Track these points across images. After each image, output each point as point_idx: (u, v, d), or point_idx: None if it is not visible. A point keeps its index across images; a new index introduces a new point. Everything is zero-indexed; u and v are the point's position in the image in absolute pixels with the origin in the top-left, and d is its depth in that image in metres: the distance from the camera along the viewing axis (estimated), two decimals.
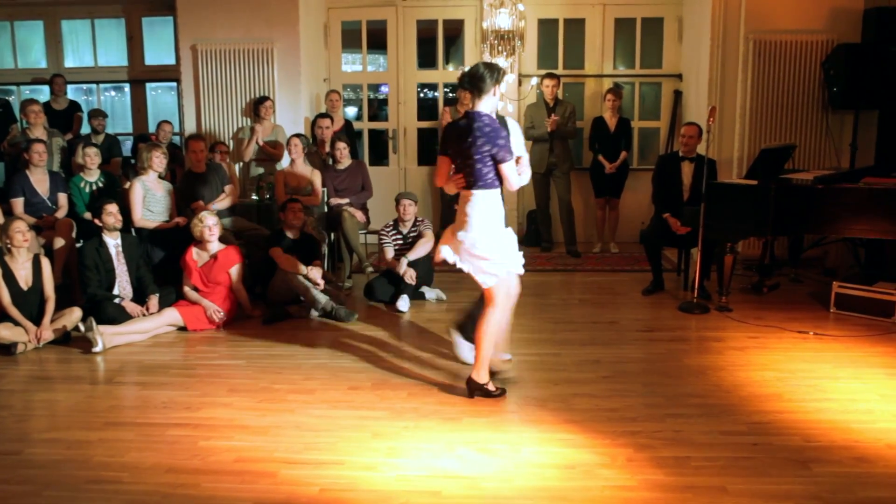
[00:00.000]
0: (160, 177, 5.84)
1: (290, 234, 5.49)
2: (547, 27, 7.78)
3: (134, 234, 5.61)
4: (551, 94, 6.98)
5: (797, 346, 4.55)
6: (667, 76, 7.73)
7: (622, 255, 7.16)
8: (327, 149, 6.69)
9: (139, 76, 8.20)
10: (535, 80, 7.29)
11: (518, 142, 3.80)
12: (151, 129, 7.90)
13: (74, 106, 7.46)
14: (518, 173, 3.64)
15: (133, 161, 6.97)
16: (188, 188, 5.97)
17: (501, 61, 6.42)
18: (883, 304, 5.03)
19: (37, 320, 4.69)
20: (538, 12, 7.62)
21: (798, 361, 4.28)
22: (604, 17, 7.69)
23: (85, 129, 7.35)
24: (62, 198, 5.77)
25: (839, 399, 3.72)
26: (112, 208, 5.06)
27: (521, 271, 3.78)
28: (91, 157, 5.87)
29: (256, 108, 6.85)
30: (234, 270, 5.18)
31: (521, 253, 3.77)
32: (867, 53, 6.20)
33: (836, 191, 5.09)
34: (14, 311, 4.63)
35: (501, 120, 3.77)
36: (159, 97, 8.61)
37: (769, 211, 5.06)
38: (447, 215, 7.09)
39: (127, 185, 5.95)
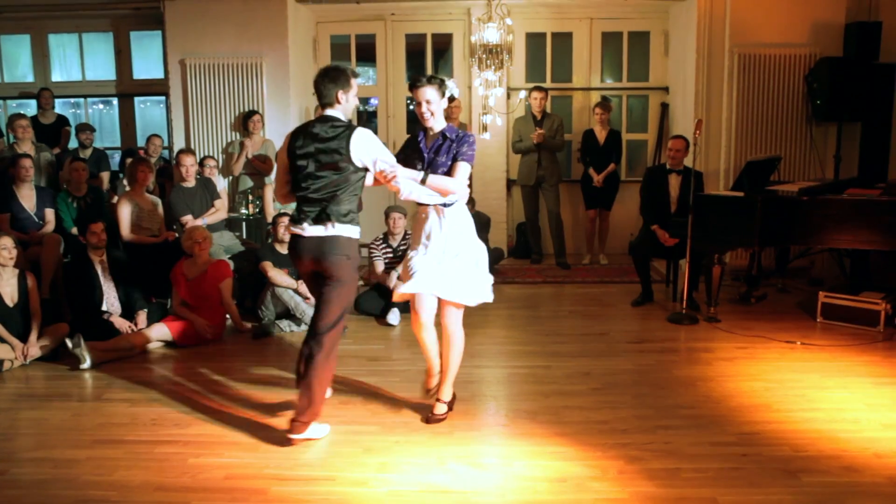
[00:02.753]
0: (148, 191, 5.82)
1: (280, 248, 5.49)
2: (535, 41, 7.84)
3: (122, 249, 5.58)
4: (539, 107, 7.03)
5: (785, 356, 4.59)
6: (654, 89, 7.80)
7: (612, 267, 7.19)
8: None
9: (127, 90, 8.18)
10: (523, 94, 7.34)
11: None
12: (140, 143, 7.88)
13: (62, 120, 7.43)
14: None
15: (121, 175, 6.95)
16: (178, 202, 5.96)
17: (490, 75, 6.47)
18: (868, 314, 5.09)
19: (23, 337, 4.65)
20: (526, 26, 7.69)
21: (786, 371, 4.31)
22: (591, 30, 7.76)
23: (73, 143, 7.32)
24: (49, 213, 5.73)
25: (827, 409, 3.75)
26: (97, 228, 5.03)
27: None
28: (79, 172, 5.84)
29: (245, 122, 6.86)
30: (224, 285, 5.16)
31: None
32: (849, 66, 6.29)
33: (821, 202, 5.15)
34: (0, 328, 4.59)
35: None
36: (148, 111, 8.60)
37: (756, 222, 5.11)
38: None
39: (115, 200, 5.93)
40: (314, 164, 3.32)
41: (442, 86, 3.49)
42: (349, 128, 3.32)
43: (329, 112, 3.37)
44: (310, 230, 3.35)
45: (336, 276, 3.35)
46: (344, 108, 3.39)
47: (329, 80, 3.35)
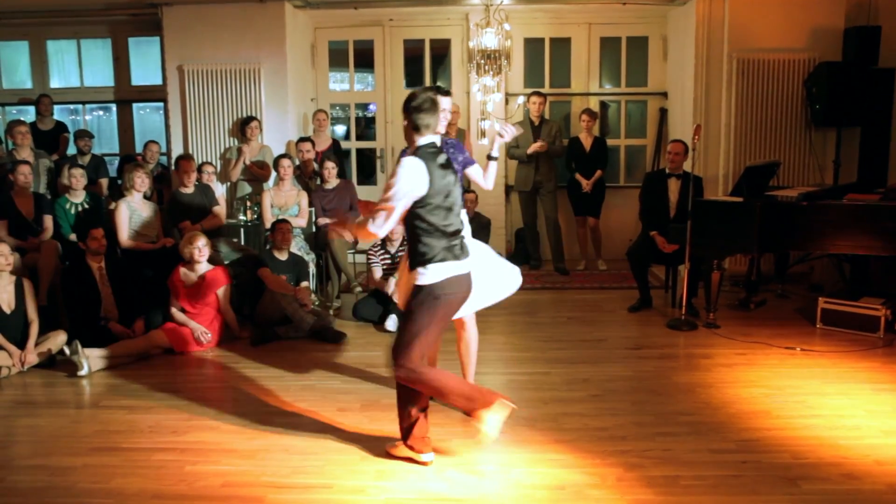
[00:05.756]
0: (146, 197, 5.81)
1: (278, 255, 5.48)
2: (533, 46, 7.84)
3: (120, 255, 5.57)
4: (537, 112, 7.03)
5: (784, 363, 4.57)
6: (652, 94, 7.80)
7: (610, 273, 7.18)
8: (310, 171, 6.71)
9: (126, 96, 8.18)
10: (521, 99, 7.33)
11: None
12: (138, 149, 7.88)
13: (61, 126, 7.43)
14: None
15: (119, 182, 6.94)
16: (176, 208, 5.95)
17: (488, 80, 6.47)
18: (868, 319, 5.07)
19: (20, 344, 4.63)
20: (524, 31, 7.69)
21: (786, 378, 4.29)
22: (589, 36, 7.76)
23: (71, 149, 7.32)
24: (47, 219, 5.71)
25: (827, 415, 3.74)
26: (97, 234, 5.03)
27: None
28: (77, 179, 5.83)
29: (242, 128, 6.86)
30: (222, 291, 5.15)
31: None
32: (848, 71, 6.29)
33: (820, 207, 5.14)
34: None
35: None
36: (146, 117, 8.59)
37: (755, 228, 5.10)
38: None
39: (113, 206, 5.92)
40: None
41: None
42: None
43: None
44: None
45: None
46: None
47: None
